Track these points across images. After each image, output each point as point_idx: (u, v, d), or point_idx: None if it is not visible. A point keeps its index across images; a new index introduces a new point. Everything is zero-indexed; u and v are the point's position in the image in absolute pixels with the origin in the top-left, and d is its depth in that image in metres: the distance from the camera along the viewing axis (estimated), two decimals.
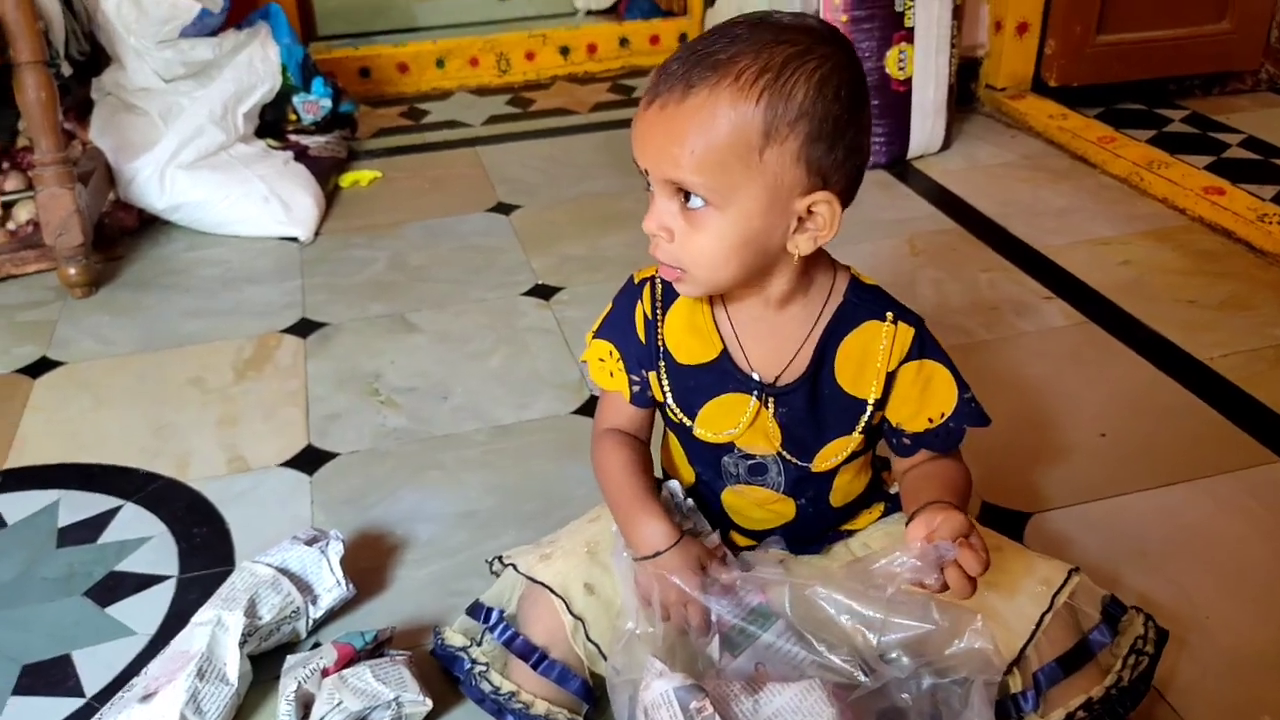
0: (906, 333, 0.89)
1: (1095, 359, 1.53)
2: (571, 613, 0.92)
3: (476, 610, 1.01)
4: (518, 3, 3.55)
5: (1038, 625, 0.89)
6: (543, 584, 0.94)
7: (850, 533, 0.99)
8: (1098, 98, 2.39)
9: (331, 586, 1.09)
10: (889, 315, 0.89)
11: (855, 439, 0.91)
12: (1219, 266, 1.77)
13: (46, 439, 1.43)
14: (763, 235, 0.81)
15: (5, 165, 2.02)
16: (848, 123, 0.79)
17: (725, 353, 0.91)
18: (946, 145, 2.24)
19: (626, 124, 2.56)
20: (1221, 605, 1.09)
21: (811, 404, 0.90)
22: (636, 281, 0.94)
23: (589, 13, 3.23)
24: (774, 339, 0.89)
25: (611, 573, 0.94)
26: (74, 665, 1.06)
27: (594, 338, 0.97)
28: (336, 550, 1.10)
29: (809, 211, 0.80)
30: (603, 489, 0.96)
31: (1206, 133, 2.26)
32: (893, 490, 0.99)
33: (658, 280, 0.92)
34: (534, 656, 0.93)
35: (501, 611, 0.98)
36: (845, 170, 0.81)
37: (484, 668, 0.95)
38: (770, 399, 0.90)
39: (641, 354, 0.94)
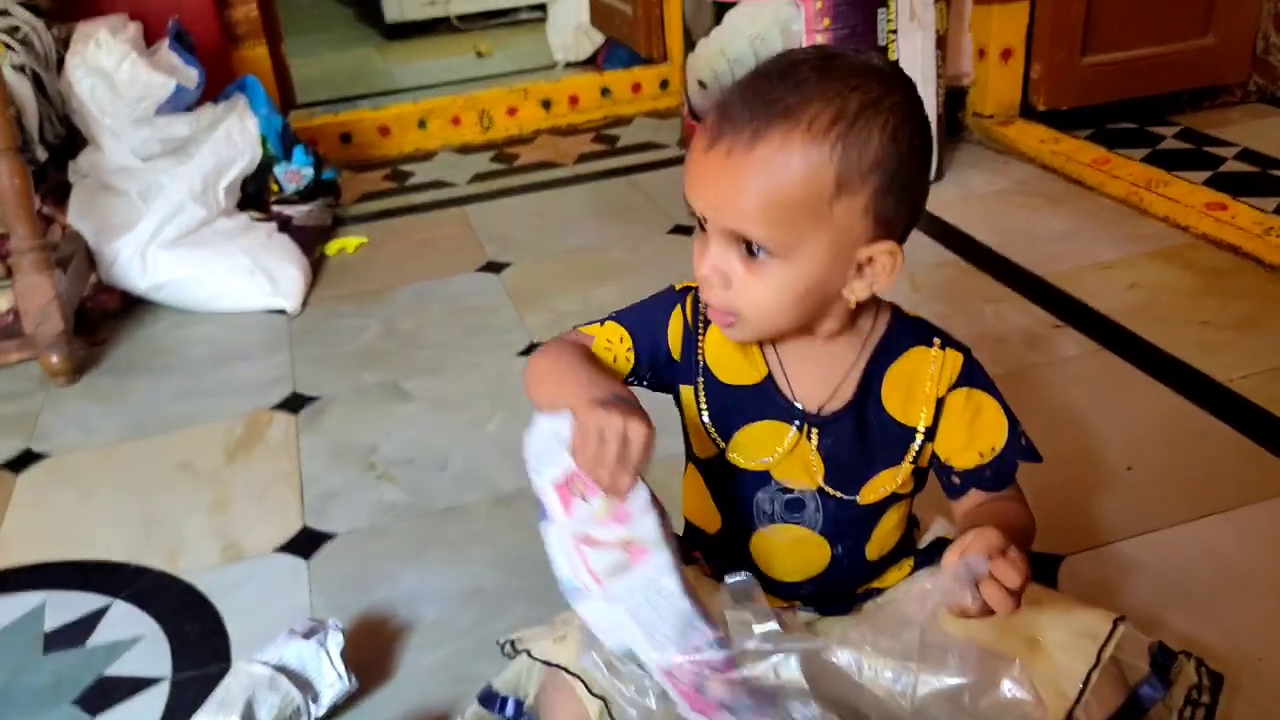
0: (956, 358, 0.86)
1: (1112, 387, 1.48)
2: (593, 693, 0.86)
3: (490, 699, 0.95)
4: (496, 59, 3.55)
5: (1085, 683, 0.83)
6: (560, 667, 0.88)
7: (879, 591, 0.94)
8: (1088, 119, 2.36)
9: (333, 681, 1.03)
10: (936, 341, 0.86)
11: (904, 470, 0.86)
12: (1229, 284, 1.72)
13: (31, 537, 1.37)
14: (823, 284, 0.78)
15: None
16: (917, 171, 0.77)
17: (770, 378, 0.87)
18: (939, 176, 2.21)
19: (612, 174, 2.57)
20: (1273, 644, 1.03)
21: (859, 433, 0.86)
22: (677, 289, 0.90)
23: (568, 64, 3.22)
24: (819, 369, 0.86)
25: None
26: None
27: (608, 321, 0.90)
28: (336, 642, 1.04)
29: (869, 259, 0.78)
30: (538, 373, 0.84)
31: (1201, 148, 2.23)
32: (922, 545, 0.94)
33: (694, 295, 0.88)
34: None
35: (520, 702, 0.92)
36: (910, 217, 0.79)
37: None
38: (813, 430, 0.86)
39: (669, 368, 0.89)
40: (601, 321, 0.90)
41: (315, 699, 1.02)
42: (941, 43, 2.14)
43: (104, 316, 1.93)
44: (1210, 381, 1.46)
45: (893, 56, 2.06)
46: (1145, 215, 1.99)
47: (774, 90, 0.75)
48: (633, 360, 0.90)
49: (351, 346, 1.80)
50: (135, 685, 1.10)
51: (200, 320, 1.93)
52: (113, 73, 1.88)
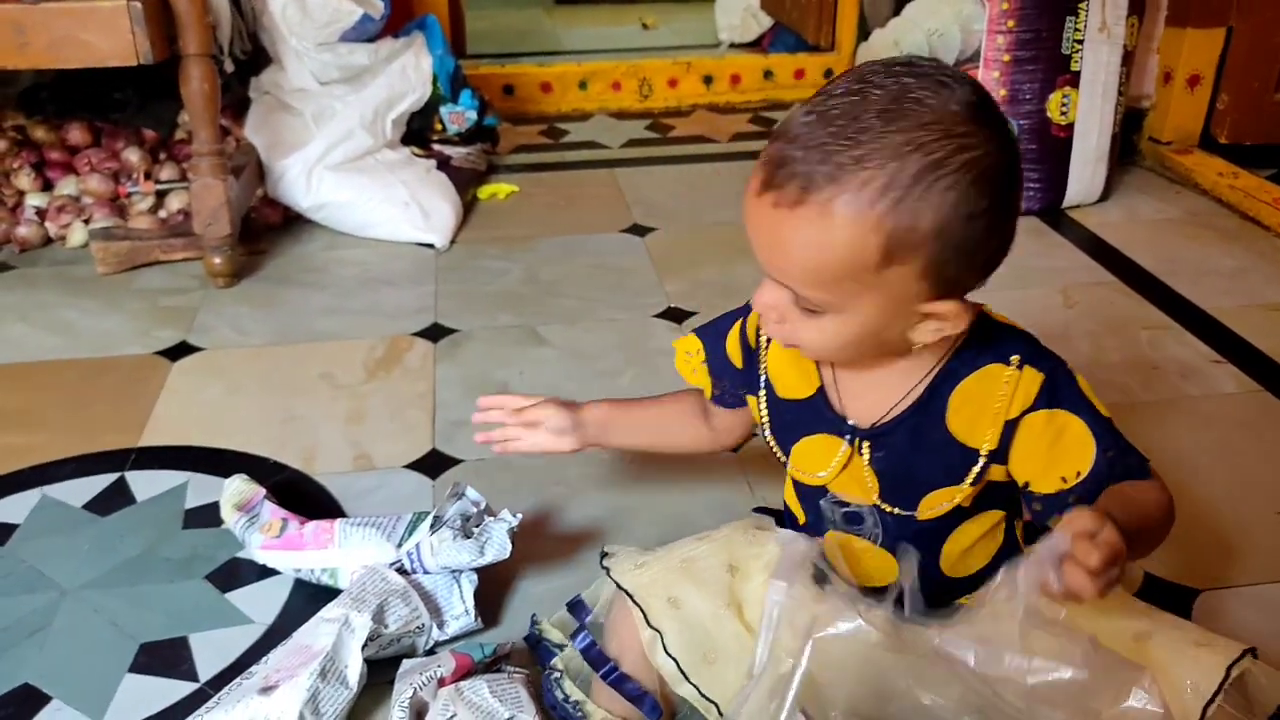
0: (1034, 379, 0.80)
1: (1270, 430, 1.41)
2: (649, 624, 0.86)
3: (575, 605, 0.97)
4: (661, 33, 3.56)
5: (1210, 700, 0.77)
6: (626, 590, 0.88)
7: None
8: (1271, 158, 2.25)
9: (460, 615, 1.05)
10: (1014, 359, 0.80)
11: (964, 490, 0.83)
12: None
13: (180, 421, 1.44)
14: (880, 333, 0.76)
15: (162, 156, 2.08)
16: (986, 232, 0.71)
17: (822, 391, 0.86)
18: (1105, 196, 2.14)
19: None
20: None
21: (914, 447, 0.83)
22: (749, 301, 0.90)
23: (732, 45, 3.21)
24: (877, 385, 0.83)
25: (705, 589, 0.87)
26: (190, 649, 1.05)
27: (690, 333, 0.98)
28: (470, 580, 1.06)
29: (933, 313, 0.75)
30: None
31: None
32: None
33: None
34: (605, 667, 0.88)
35: (592, 611, 0.94)
36: (981, 272, 0.75)
37: (559, 674, 0.92)
38: (865, 444, 0.84)
39: (738, 375, 0.94)
40: (688, 333, 0.95)
41: (441, 625, 1.04)
42: (1127, 60, 2.06)
43: (265, 229, 2.01)
44: None
45: (1075, 68, 1.99)
46: None
47: (831, 140, 0.69)
48: (708, 372, 0.95)
49: (493, 287, 1.83)
50: (264, 570, 1.14)
51: (354, 244, 1.99)
52: None
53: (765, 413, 0.90)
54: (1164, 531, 0.80)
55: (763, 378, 0.89)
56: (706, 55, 2.94)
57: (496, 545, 1.03)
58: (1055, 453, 0.80)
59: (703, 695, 0.84)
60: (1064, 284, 1.81)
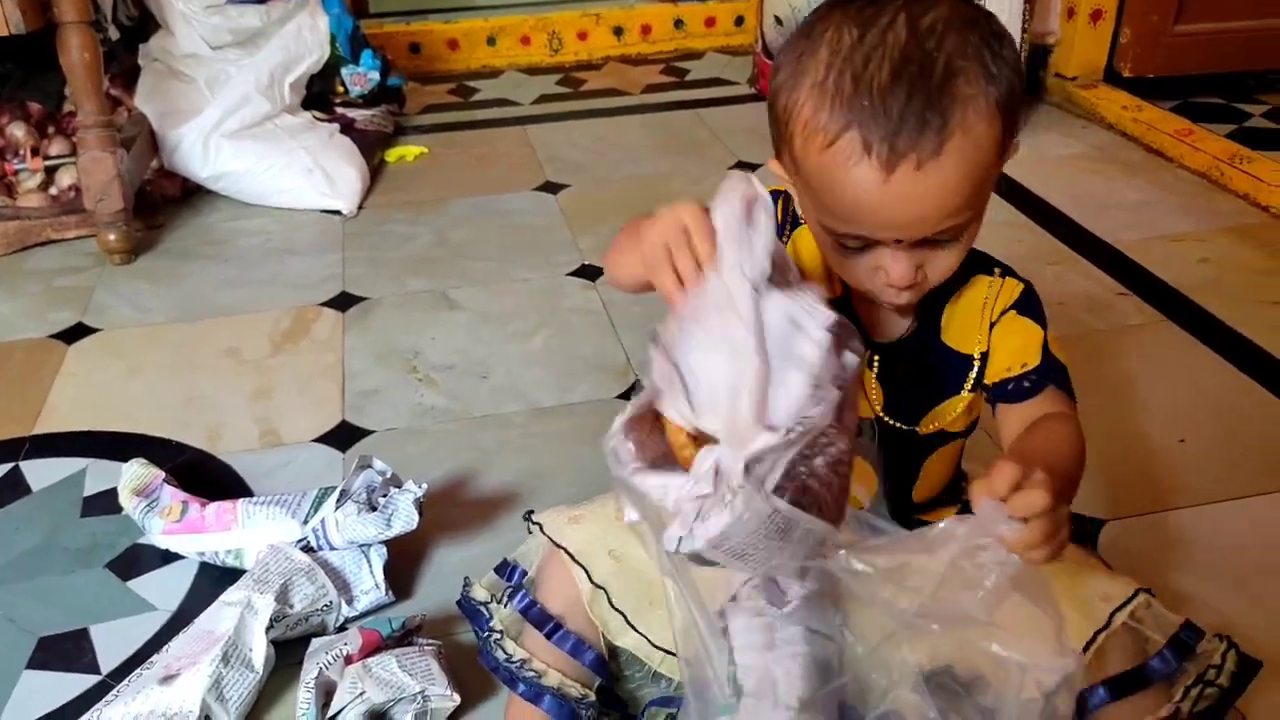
0: (1015, 287, 0.83)
1: (1173, 360, 1.44)
2: (592, 581, 0.86)
3: (503, 568, 0.95)
4: None
5: (1090, 643, 0.79)
6: (565, 549, 0.87)
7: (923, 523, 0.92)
8: (1174, 90, 2.28)
9: (369, 589, 1.03)
10: (997, 270, 0.84)
11: (965, 399, 0.85)
12: None
13: (77, 406, 1.39)
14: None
15: (50, 130, 1.99)
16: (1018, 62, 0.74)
17: (844, 298, 0.84)
18: None
19: (679, 106, 2.53)
20: None
21: (920, 362, 0.84)
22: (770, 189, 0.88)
23: None
24: None
25: (641, 537, 0.86)
26: (91, 640, 1.02)
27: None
28: (380, 553, 1.04)
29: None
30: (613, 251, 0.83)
31: None
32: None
33: (785, 198, 0.85)
34: (548, 626, 0.87)
35: (524, 572, 0.92)
36: None
37: (499, 635, 0.90)
38: (875, 356, 0.85)
39: None
40: None
41: (350, 602, 1.02)
42: None
43: (163, 201, 1.94)
44: (1274, 361, 1.41)
45: None
46: (1224, 191, 1.92)
47: (920, 66, 0.67)
48: None
49: (402, 252, 1.79)
50: (167, 556, 1.11)
51: (256, 214, 1.93)
52: None
53: None
54: (1079, 480, 0.81)
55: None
56: (616, 6, 2.88)
57: (403, 516, 1.02)
58: (1012, 347, 0.82)
59: (651, 644, 0.85)
60: None
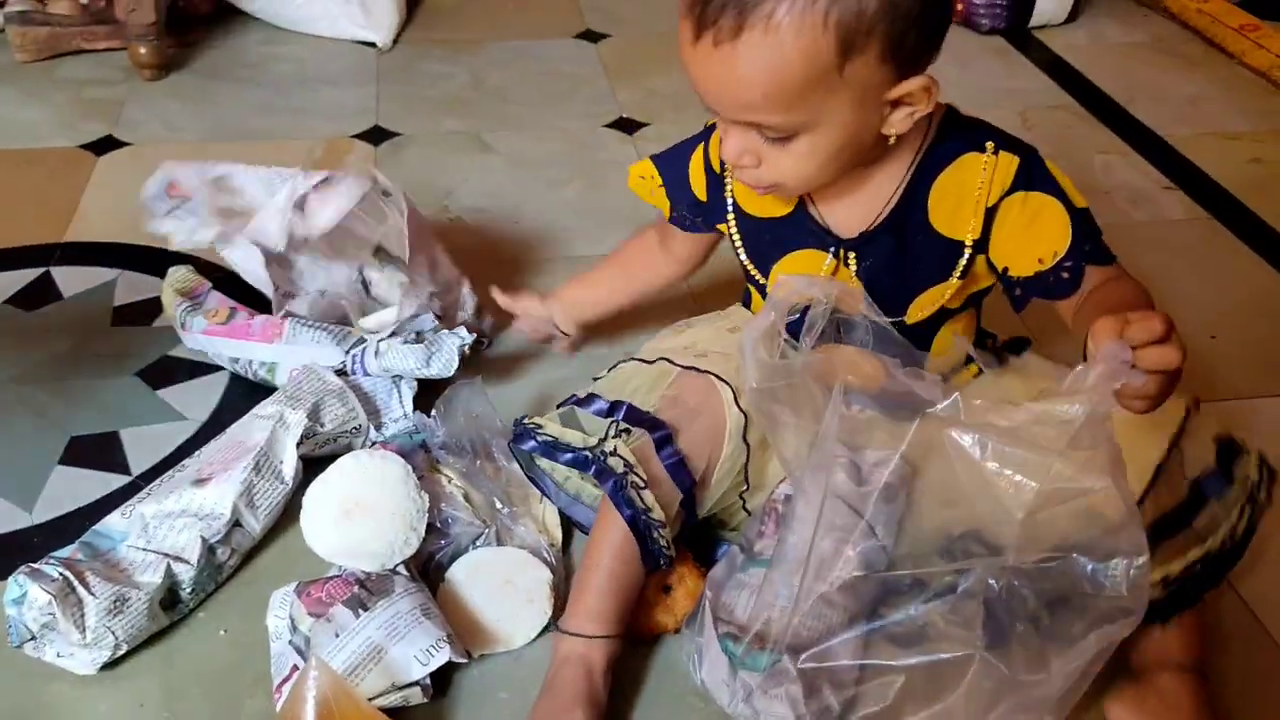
0: (1010, 162, 0.79)
1: (1212, 257, 1.42)
2: (739, 406, 0.83)
3: (589, 401, 0.88)
4: None
5: (1155, 475, 0.76)
6: (712, 374, 0.84)
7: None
8: None
9: (399, 418, 1.04)
10: (989, 145, 0.79)
11: (952, 285, 0.83)
12: None
13: (108, 216, 1.39)
14: (857, 136, 0.74)
15: None
16: None
17: (801, 206, 0.83)
18: (1072, 17, 2.07)
19: None
20: None
21: (900, 249, 0.82)
22: (707, 125, 0.87)
23: None
24: (857, 194, 0.82)
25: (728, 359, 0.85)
26: (121, 443, 1.04)
27: (647, 157, 0.94)
28: (410, 387, 1.05)
29: (902, 96, 0.72)
30: None
31: None
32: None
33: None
34: (672, 459, 0.82)
35: (631, 406, 0.86)
36: (937, 37, 0.72)
37: (644, 486, 0.80)
38: (850, 254, 0.83)
39: (700, 207, 0.91)
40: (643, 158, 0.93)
41: (379, 427, 1.03)
42: None
43: (195, 19, 1.89)
44: None
45: None
46: None
47: None
48: (666, 195, 0.93)
49: (438, 91, 1.76)
50: (197, 368, 1.13)
51: (290, 39, 1.89)
52: None
53: (738, 237, 0.87)
54: None
55: (729, 200, 0.87)
56: None
57: (444, 358, 1.01)
58: (1032, 234, 0.79)
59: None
60: (1024, 106, 1.77)
